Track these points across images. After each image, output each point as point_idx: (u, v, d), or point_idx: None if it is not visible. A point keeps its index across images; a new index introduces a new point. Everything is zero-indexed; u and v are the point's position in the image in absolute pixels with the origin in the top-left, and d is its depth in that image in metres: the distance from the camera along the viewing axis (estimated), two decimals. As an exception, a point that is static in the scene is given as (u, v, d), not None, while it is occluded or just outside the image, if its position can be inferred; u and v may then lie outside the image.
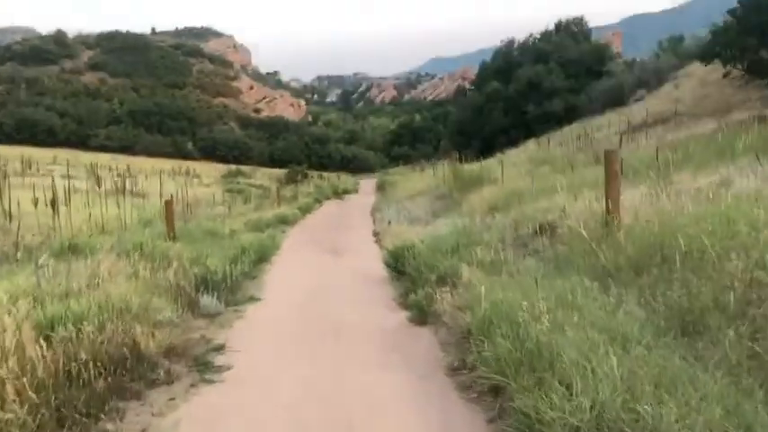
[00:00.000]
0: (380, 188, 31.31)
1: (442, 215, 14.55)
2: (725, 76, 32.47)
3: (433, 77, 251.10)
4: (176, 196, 34.98)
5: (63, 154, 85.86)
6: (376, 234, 16.36)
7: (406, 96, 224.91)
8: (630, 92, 43.50)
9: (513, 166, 17.66)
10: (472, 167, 17.82)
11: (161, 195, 28.71)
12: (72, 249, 12.58)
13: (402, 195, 22.39)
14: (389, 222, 17.14)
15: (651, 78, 44.03)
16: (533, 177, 13.47)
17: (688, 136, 18.81)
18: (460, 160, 43.26)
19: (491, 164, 20.81)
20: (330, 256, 13.63)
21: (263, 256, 13.45)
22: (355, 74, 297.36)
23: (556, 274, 7.13)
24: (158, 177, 59.06)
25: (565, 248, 7.86)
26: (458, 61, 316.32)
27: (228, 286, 10.03)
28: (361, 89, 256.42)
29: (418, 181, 25.80)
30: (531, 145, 40.81)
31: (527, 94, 54.30)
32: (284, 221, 21.29)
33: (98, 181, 18.42)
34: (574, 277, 6.58)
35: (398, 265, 10.39)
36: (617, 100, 43.71)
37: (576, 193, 10.54)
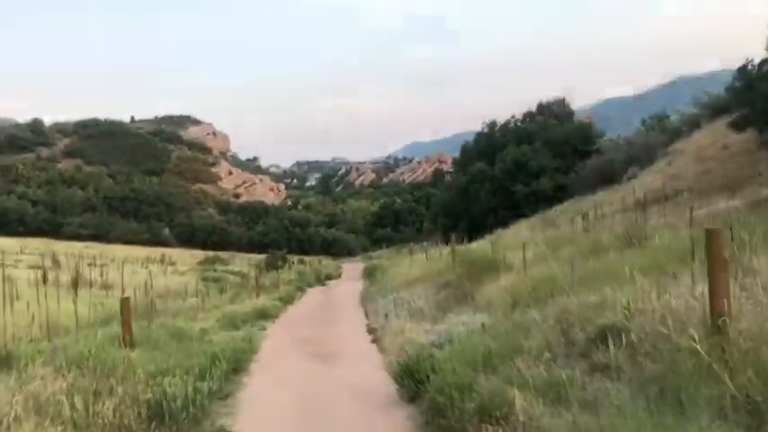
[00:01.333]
0: (369, 274, 28.96)
1: (451, 309, 12.35)
2: (734, 145, 31.23)
3: (410, 161, 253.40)
4: (145, 287, 32.36)
5: (35, 243, 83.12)
6: (372, 331, 14.05)
7: (385, 179, 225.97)
8: (622, 169, 42.28)
9: (520, 249, 15.57)
10: (480, 249, 15.71)
11: (124, 287, 26.19)
12: (4, 361, 10.19)
13: (396, 283, 20.06)
14: (386, 316, 14.85)
15: (642, 155, 42.95)
16: (562, 263, 11.39)
17: (711, 213, 16.93)
18: (447, 242, 41.37)
19: (499, 245, 18.73)
20: (319, 365, 11.22)
21: (237, 365, 11.03)
22: (334, 159, 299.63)
23: (659, 409, 4.92)
24: (130, 266, 56.39)
25: (656, 366, 5.62)
26: (434, 145, 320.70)
27: (191, 415, 7.62)
28: (340, 173, 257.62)
29: (413, 266, 23.50)
30: (523, 225, 39.04)
31: (514, 173, 53.15)
32: (264, 315, 18.87)
33: (45, 274, 15.90)
34: (701, 419, 4.38)
35: (412, 382, 8.04)
36: (608, 177, 42.42)
37: (625, 284, 8.43)
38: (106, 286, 32.14)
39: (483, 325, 9.76)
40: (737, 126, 31.16)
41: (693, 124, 46.42)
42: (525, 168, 52.90)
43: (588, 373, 6.31)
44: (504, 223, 45.69)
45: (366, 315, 17.42)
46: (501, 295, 11.27)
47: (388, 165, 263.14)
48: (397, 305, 15.37)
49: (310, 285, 31.61)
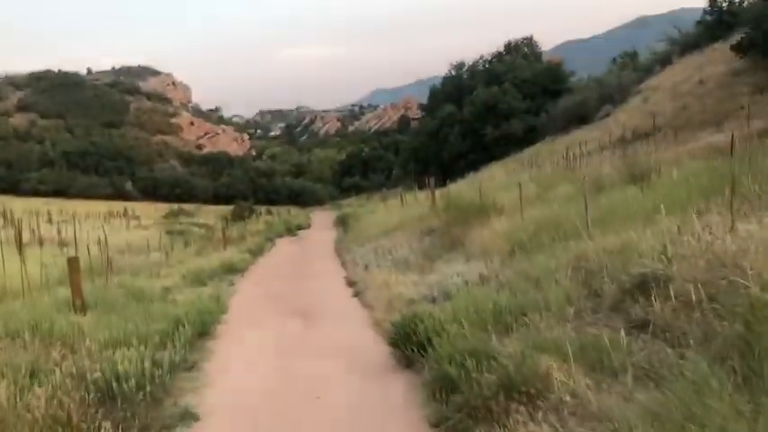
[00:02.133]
0: (342, 223, 27.50)
1: (440, 257, 11.17)
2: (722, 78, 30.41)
3: (376, 108, 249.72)
4: (103, 244, 30.76)
5: (-10, 200, 79.97)
6: (352, 284, 12.87)
7: (351, 128, 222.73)
8: (595, 108, 41.30)
9: (508, 190, 14.41)
10: (464, 192, 14.44)
11: (78, 244, 24.71)
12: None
13: (373, 231, 18.70)
14: (366, 267, 13.67)
15: (615, 93, 42.03)
16: (561, 203, 10.29)
17: (708, 147, 15.92)
18: (420, 187, 40.14)
19: (478, 188, 17.47)
20: (298, 324, 10.02)
21: (204, 328, 9.79)
22: (298, 107, 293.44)
23: (746, 385, 3.83)
24: (92, 221, 54.26)
25: (726, 327, 4.51)
26: (399, 92, 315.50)
27: (149, 394, 6.37)
28: (304, 122, 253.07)
29: (389, 213, 22.14)
30: (496, 167, 38.00)
31: (484, 116, 51.86)
32: (232, 269, 17.55)
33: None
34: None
35: (410, 346, 6.87)
36: (582, 117, 41.49)
37: (646, 225, 7.32)
38: (63, 243, 30.42)
39: (481, 276, 8.60)
40: (741, 49, 30.30)
41: (665, 61, 45.66)
42: (495, 110, 51.65)
43: (632, 334, 5.19)
44: (475, 167, 44.73)
45: (343, 266, 16.20)
46: (496, 241, 10.12)
47: (354, 113, 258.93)
48: (377, 255, 14.18)
49: (280, 236, 30.22)
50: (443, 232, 12.41)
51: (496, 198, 12.88)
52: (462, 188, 22.81)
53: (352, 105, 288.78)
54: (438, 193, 19.73)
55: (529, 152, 40.44)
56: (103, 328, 9.08)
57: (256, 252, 21.72)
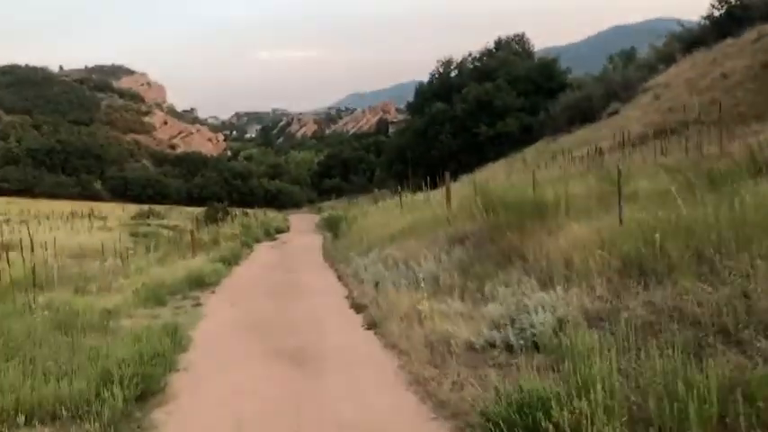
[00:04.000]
0: (330, 226, 23.82)
1: (490, 276, 7.77)
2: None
3: (353, 111, 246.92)
4: (45, 247, 26.99)
5: (-52, 199, 75.07)
6: (360, 308, 9.52)
7: (328, 131, 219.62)
8: (600, 105, 38.39)
9: (541, 187, 11.13)
10: (511, 188, 11.18)
11: (25, 247, 21.31)
12: None
13: (374, 236, 15.16)
14: (377, 285, 10.33)
15: (620, 90, 39.15)
16: (665, 201, 7.11)
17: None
18: (402, 188, 36.75)
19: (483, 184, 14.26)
20: (293, 380, 6.62)
21: (149, 385, 6.37)
22: (274, 110, 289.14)
23: None
24: (52, 222, 50.16)
25: None
26: (376, 96, 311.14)
27: None
28: (281, 125, 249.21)
29: (388, 215, 18.58)
30: (496, 167, 34.84)
31: (477, 113, 48.72)
32: (200, 282, 14.07)
33: None
34: None
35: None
36: (585, 115, 38.52)
37: None
38: (3, 247, 26.58)
39: (586, 312, 5.32)
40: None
41: (668, 59, 43.29)
42: (489, 108, 48.54)
43: None
44: (469, 168, 41.54)
45: (342, 281, 12.78)
46: (585, 254, 6.85)
47: (330, 116, 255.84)
48: (389, 268, 10.82)
49: (258, 240, 26.71)
50: (485, 240, 9.12)
51: (546, 195, 9.64)
52: (470, 186, 19.44)
53: (329, 108, 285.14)
54: (458, 188, 16.47)
55: (530, 151, 37.39)
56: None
57: (231, 260, 18.18)
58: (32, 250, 24.62)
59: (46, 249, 27.31)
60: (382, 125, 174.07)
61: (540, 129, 46.54)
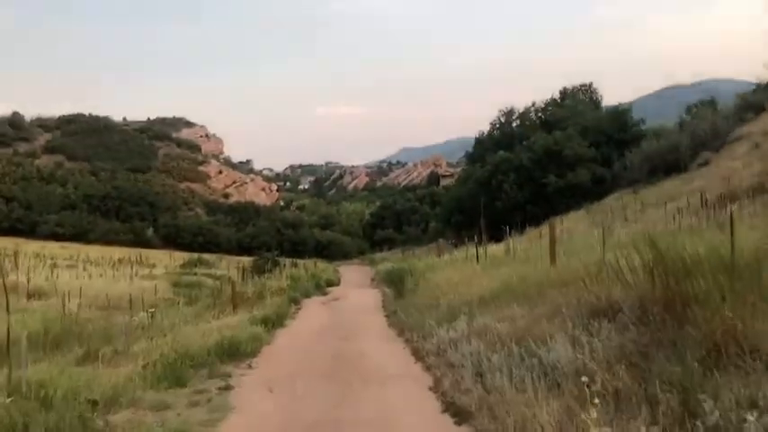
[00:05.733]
0: (393, 281, 20.38)
1: (688, 379, 4.61)
2: None
3: (404, 165, 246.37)
4: (91, 295, 24.63)
5: (3, 242, 74.65)
6: (459, 413, 6.25)
7: (379, 183, 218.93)
8: (687, 155, 34.74)
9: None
10: (693, 241, 7.99)
11: (58, 295, 18.84)
12: None
13: (458, 298, 11.36)
14: (480, 377, 7.09)
15: (708, 140, 35.51)
16: None
17: None
18: (459, 242, 33.36)
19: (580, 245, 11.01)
20: None
21: None
22: (327, 163, 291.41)
23: None
24: (99, 269, 48.33)
25: None
26: (426, 151, 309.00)
27: None
28: (333, 177, 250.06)
29: (467, 270, 15.00)
30: (575, 220, 31.26)
31: (545, 163, 45.37)
32: (234, 351, 11.00)
33: None
34: None
35: None
36: (670, 166, 34.88)
37: None
38: (36, 294, 24.23)
39: None
40: None
41: (756, 107, 39.66)
42: (558, 158, 45.15)
43: None
44: (535, 220, 38.09)
45: (419, 359, 9.45)
46: None
47: (382, 168, 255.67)
48: (490, 347, 7.60)
49: (308, 295, 23.68)
50: (660, 316, 5.88)
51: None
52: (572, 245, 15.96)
53: (381, 162, 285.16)
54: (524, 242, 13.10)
55: (609, 204, 33.78)
56: None
57: (275, 320, 15.09)
58: (66, 299, 22.16)
59: (79, 298, 24.87)
60: (433, 178, 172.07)
61: (614, 180, 42.96)
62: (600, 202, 37.88)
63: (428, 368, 8.66)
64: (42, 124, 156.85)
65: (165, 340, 13.07)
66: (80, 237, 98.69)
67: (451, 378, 7.56)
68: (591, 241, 16.76)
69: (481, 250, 18.96)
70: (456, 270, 16.07)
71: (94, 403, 7.08)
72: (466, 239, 33.62)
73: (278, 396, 8.15)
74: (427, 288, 15.15)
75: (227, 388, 8.64)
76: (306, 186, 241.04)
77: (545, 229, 32.52)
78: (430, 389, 7.72)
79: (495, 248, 20.66)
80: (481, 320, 9.33)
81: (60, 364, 11.08)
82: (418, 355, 9.67)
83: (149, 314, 17.64)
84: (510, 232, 28.10)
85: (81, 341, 14.99)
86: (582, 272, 9.21)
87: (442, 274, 16.01)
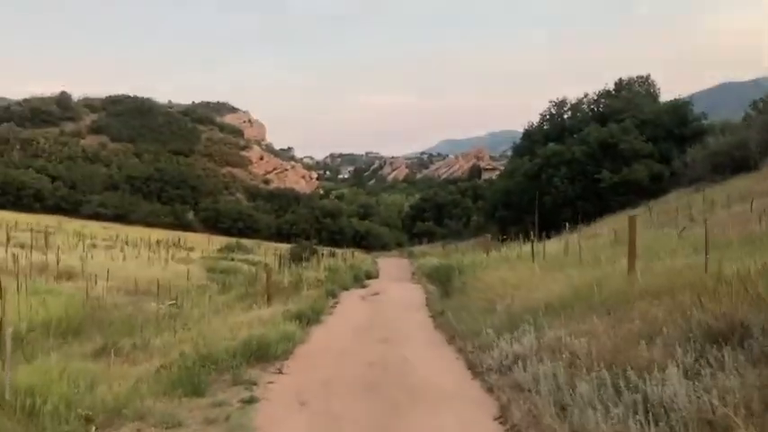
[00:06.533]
0: (438, 278, 18.84)
1: None
2: None
3: (445, 157, 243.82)
4: (121, 278, 23.66)
5: (47, 220, 75.23)
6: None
7: (419, 175, 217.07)
8: (758, 152, 32.39)
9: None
10: None
11: (89, 276, 17.85)
12: None
13: (518, 303, 9.92)
14: (564, 411, 5.63)
15: (777, 137, 33.09)
16: None
17: None
18: (506, 237, 31.41)
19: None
20: None
21: None
22: (367, 153, 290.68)
23: None
24: (135, 250, 47.83)
25: None
26: (469, 143, 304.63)
27: None
28: (373, 167, 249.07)
29: (524, 270, 13.35)
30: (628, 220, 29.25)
31: (599, 157, 43.21)
32: (263, 353, 9.68)
33: None
34: None
35: None
36: (737, 163, 32.60)
37: None
38: (64, 275, 23.35)
39: None
40: None
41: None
42: (613, 152, 42.96)
43: None
44: (586, 218, 36.07)
45: (476, 374, 7.95)
46: None
47: (422, 160, 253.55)
48: (568, 369, 6.13)
49: (345, 288, 22.35)
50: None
51: None
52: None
53: (421, 153, 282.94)
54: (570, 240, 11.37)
55: (672, 202, 31.65)
56: None
57: (311, 316, 13.80)
58: (93, 282, 21.23)
59: (107, 281, 23.94)
60: (475, 171, 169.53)
61: (672, 177, 40.63)
62: (657, 200, 35.71)
63: (490, 389, 7.12)
64: (89, 104, 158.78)
65: (189, 334, 11.85)
66: (121, 217, 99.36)
67: (523, 407, 6.03)
68: (665, 242, 15.06)
69: (537, 248, 17.34)
70: (510, 269, 14.47)
71: (89, 419, 5.77)
72: (512, 235, 31.92)
73: (310, 415, 6.75)
74: (478, 288, 13.58)
75: (251, 401, 7.25)
76: (345, 176, 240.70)
77: (599, 227, 30.69)
78: (495, 419, 6.21)
79: (550, 246, 18.96)
80: (551, 333, 7.77)
81: (71, 356, 9.88)
82: (475, 370, 8.12)
83: (174, 304, 16.50)
84: (566, 229, 26.50)
85: (102, 330, 13.92)
86: (677, 280, 7.61)
87: (494, 273, 14.42)
